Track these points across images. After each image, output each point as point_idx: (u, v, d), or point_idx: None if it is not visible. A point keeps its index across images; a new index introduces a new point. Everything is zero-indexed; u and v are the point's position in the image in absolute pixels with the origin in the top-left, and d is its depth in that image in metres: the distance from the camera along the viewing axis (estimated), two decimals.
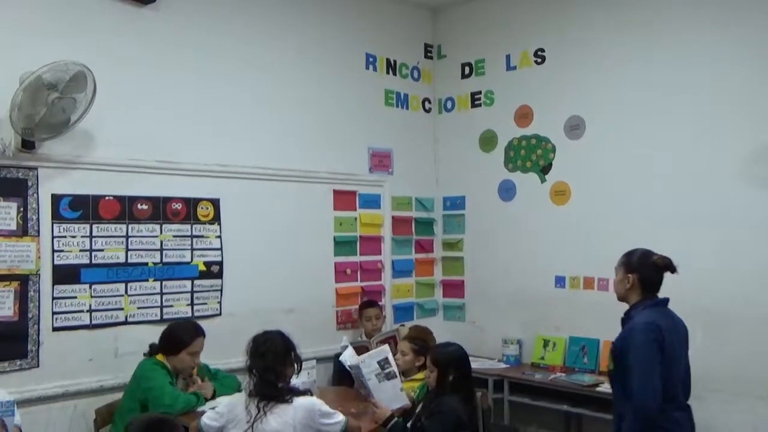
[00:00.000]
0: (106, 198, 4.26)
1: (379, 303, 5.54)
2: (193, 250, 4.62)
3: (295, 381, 3.57)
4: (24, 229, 3.95)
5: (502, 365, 5.44)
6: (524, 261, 5.59)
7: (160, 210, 4.48)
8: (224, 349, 4.38)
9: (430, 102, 6.27)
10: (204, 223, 4.68)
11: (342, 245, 5.50)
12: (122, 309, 4.30)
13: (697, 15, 4.70)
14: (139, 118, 4.39)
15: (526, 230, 5.60)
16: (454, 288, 6.14)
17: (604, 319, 4.91)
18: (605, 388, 4.62)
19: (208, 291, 4.68)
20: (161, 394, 3.74)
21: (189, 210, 4.61)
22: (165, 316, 4.43)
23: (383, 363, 3.98)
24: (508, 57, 5.78)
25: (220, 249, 4.73)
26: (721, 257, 4.46)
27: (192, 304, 4.60)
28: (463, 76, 6.10)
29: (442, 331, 5.42)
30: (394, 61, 5.98)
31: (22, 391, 3.82)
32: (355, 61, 5.70)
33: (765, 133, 4.40)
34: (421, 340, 4.58)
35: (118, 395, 4.00)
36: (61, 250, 4.09)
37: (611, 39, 5.11)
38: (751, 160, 4.44)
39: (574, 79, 5.32)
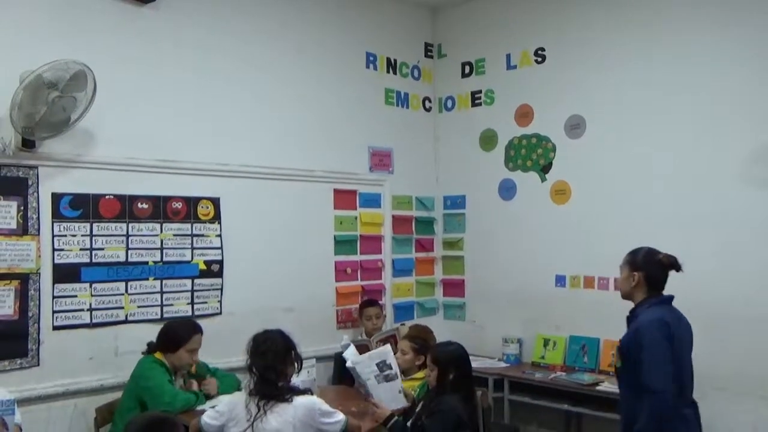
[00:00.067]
0: (107, 197, 4.26)
1: (380, 302, 5.54)
2: (193, 249, 4.62)
3: (295, 380, 3.57)
4: (24, 228, 3.95)
5: (503, 364, 5.44)
6: (524, 260, 5.59)
7: (160, 209, 4.48)
8: (224, 348, 4.40)
9: (430, 101, 6.27)
10: (204, 222, 4.68)
11: (342, 244, 5.50)
12: (122, 308, 4.30)
13: (697, 15, 4.70)
14: (140, 117, 4.39)
15: (527, 229, 5.60)
16: (455, 287, 6.14)
17: (604, 318, 4.96)
18: (605, 387, 4.63)
19: (209, 290, 4.68)
20: (161, 393, 3.75)
21: (189, 209, 4.61)
22: (165, 315, 4.44)
23: (382, 365, 3.98)
24: (508, 56, 5.77)
25: (221, 248, 4.74)
26: (722, 257, 4.46)
27: (192, 303, 4.60)
28: (464, 75, 6.10)
29: (443, 330, 5.43)
30: (395, 60, 5.98)
31: (23, 390, 3.82)
32: (355, 60, 5.70)
33: (765, 134, 4.39)
34: (421, 339, 4.59)
35: (119, 394, 4.00)
36: (62, 249, 4.09)
37: (611, 38, 5.11)
38: (752, 160, 4.44)
39: (574, 79, 5.32)
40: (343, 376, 4.69)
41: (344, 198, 5.54)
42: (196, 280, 4.63)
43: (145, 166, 4.41)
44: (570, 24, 5.37)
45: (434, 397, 3.76)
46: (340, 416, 3.42)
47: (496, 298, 5.78)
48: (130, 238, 4.35)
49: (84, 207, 4.17)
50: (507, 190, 5.76)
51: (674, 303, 3.42)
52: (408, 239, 6.05)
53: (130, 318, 4.32)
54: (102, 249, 4.24)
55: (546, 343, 5.39)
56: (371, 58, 5.81)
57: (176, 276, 4.54)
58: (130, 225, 4.35)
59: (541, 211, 5.50)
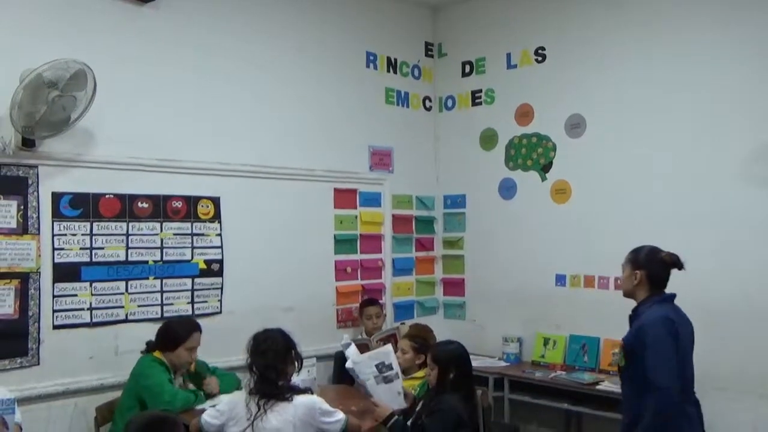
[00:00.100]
0: (107, 196, 4.26)
1: (380, 301, 5.54)
2: (193, 248, 4.62)
3: (296, 379, 3.57)
4: (24, 228, 3.95)
5: (503, 363, 5.44)
6: (525, 259, 5.59)
7: (160, 208, 4.48)
8: (225, 347, 4.40)
9: (430, 100, 6.27)
10: (204, 221, 4.68)
11: (342, 243, 5.50)
12: (122, 307, 4.30)
13: (697, 14, 4.70)
14: (140, 116, 4.39)
15: (527, 229, 5.60)
16: (455, 286, 6.14)
17: (604, 317, 4.97)
18: (605, 386, 4.63)
19: (209, 289, 4.68)
20: (160, 391, 3.75)
21: (189, 208, 4.61)
22: (165, 314, 4.44)
23: (381, 367, 3.98)
24: (508, 55, 5.77)
25: (221, 247, 4.74)
26: (722, 256, 4.46)
27: (192, 302, 4.60)
28: (464, 74, 6.10)
29: (443, 329, 5.43)
30: (395, 60, 5.98)
31: (23, 389, 3.82)
32: (355, 60, 5.70)
33: (765, 132, 4.39)
34: (421, 338, 4.59)
35: (119, 393, 3.99)
36: (62, 248, 4.09)
37: (612, 37, 5.11)
38: (751, 159, 4.44)
39: (574, 78, 5.32)
40: (343, 376, 4.69)
41: (344, 197, 5.54)
42: (196, 280, 4.63)
43: (145, 166, 4.41)
44: (570, 23, 5.37)
45: (434, 396, 3.77)
46: (340, 415, 3.42)
47: (497, 297, 5.78)
48: (130, 238, 4.35)
49: (84, 206, 4.17)
50: (507, 189, 5.76)
51: (674, 302, 3.42)
52: (408, 238, 6.05)
53: (130, 317, 4.32)
54: (102, 248, 4.24)
55: (546, 342, 5.39)
56: (371, 58, 5.80)
57: (176, 275, 4.54)
58: (130, 224, 4.35)
59: (541, 211, 5.50)
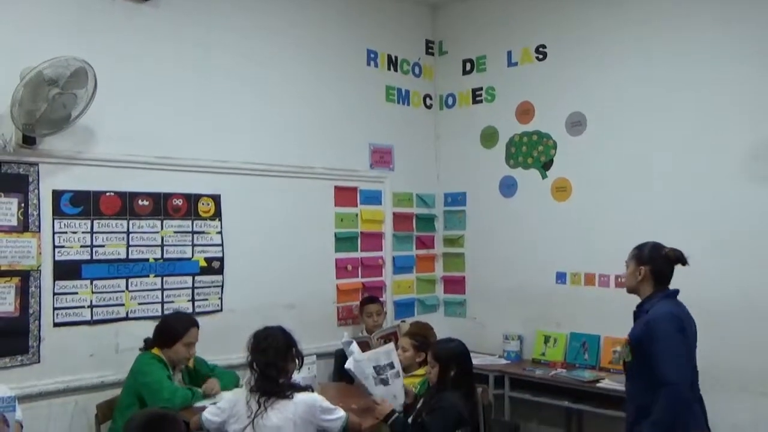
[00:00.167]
0: (107, 194, 4.26)
1: (380, 299, 5.55)
2: (193, 246, 4.62)
3: (296, 377, 3.57)
4: (25, 225, 3.95)
5: (503, 361, 5.44)
6: (525, 257, 5.59)
7: (160, 206, 4.48)
8: (225, 344, 4.40)
9: (431, 98, 6.27)
10: (205, 219, 4.68)
11: (343, 241, 5.50)
12: (123, 305, 4.31)
13: (697, 12, 4.69)
14: (140, 114, 4.39)
15: (527, 226, 5.60)
16: (455, 284, 6.14)
17: (604, 315, 4.97)
18: (606, 384, 4.64)
19: (209, 287, 4.68)
20: (160, 388, 3.75)
21: (190, 206, 4.61)
22: (166, 312, 4.43)
23: (382, 365, 3.97)
24: (509, 53, 5.77)
25: (221, 245, 4.74)
26: (722, 254, 4.46)
27: (193, 300, 4.60)
28: (465, 72, 6.09)
29: (443, 327, 5.44)
30: (395, 57, 5.98)
31: (23, 387, 3.82)
32: (356, 58, 5.70)
33: (765, 130, 4.39)
34: (421, 336, 4.59)
35: (120, 391, 3.99)
36: (62, 246, 4.09)
37: (612, 36, 5.10)
38: (751, 157, 4.44)
39: (575, 76, 5.32)
40: (343, 373, 4.68)
41: (345, 195, 5.53)
42: (197, 277, 4.63)
43: (145, 163, 4.41)
44: (571, 21, 5.36)
45: (435, 393, 3.77)
46: (340, 413, 3.42)
47: (497, 295, 5.78)
48: (130, 235, 4.35)
49: (84, 204, 4.17)
50: (508, 187, 5.76)
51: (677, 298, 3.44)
52: (409, 236, 6.04)
53: (130, 315, 4.33)
54: (102, 246, 4.24)
55: (546, 340, 5.39)
56: (372, 55, 5.80)
57: (177, 273, 4.54)
58: (131, 222, 4.35)
59: (541, 208, 5.50)
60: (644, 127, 4.91)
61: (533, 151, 5.59)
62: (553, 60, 5.49)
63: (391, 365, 3.99)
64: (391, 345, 4.19)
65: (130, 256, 4.35)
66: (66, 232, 4.10)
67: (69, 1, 4.13)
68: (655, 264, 3.41)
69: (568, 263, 5.33)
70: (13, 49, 3.85)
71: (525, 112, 5.65)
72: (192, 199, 4.63)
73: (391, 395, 3.89)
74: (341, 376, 4.86)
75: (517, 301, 5.63)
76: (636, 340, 3.36)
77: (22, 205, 3.94)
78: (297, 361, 3.51)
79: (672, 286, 3.44)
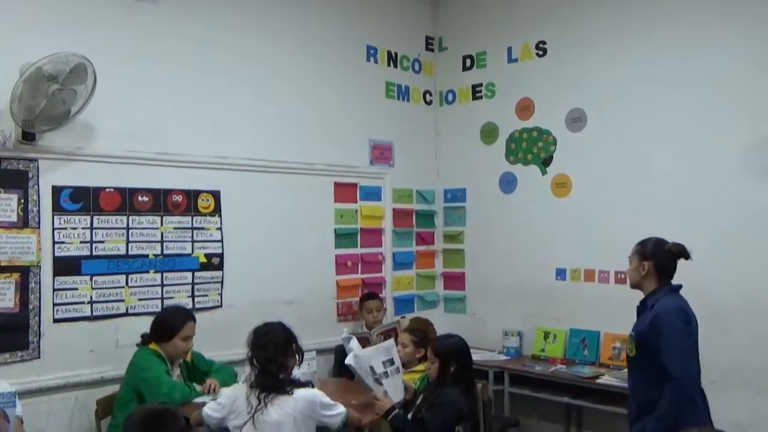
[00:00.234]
0: (107, 190, 4.26)
1: (380, 295, 5.55)
2: (193, 242, 4.62)
3: (296, 372, 3.58)
4: (25, 221, 3.95)
5: (503, 357, 5.45)
6: (525, 253, 5.60)
7: (160, 202, 4.48)
8: (225, 340, 4.40)
9: (431, 94, 6.26)
10: (204, 215, 4.68)
11: (343, 237, 5.50)
12: (123, 301, 4.31)
13: (698, 9, 4.69)
14: (140, 110, 4.39)
15: (527, 222, 5.60)
16: (455, 280, 6.14)
17: (604, 311, 4.98)
18: (606, 380, 4.64)
19: (209, 283, 4.68)
20: (158, 383, 3.75)
21: (189, 202, 4.61)
22: None
23: (383, 362, 3.96)
24: (509, 49, 5.76)
25: (221, 241, 4.74)
26: (722, 250, 4.46)
27: (193, 296, 4.60)
28: (465, 68, 6.09)
29: (443, 323, 5.44)
30: (395, 54, 5.97)
31: (23, 383, 3.82)
32: (355, 54, 5.69)
33: (765, 127, 4.39)
34: (421, 332, 4.59)
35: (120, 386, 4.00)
36: (62, 242, 4.09)
37: (613, 32, 5.10)
38: (751, 154, 4.44)
39: (575, 72, 5.32)
40: (343, 369, 4.69)
41: (345, 191, 5.53)
42: (197, 273, 4.63)
43: (145, 159, 4.40)
44: (571, 17, 5.36)
45: (435, 389, 3.77)
46: (340, 409, 3.43)
47: (497, 291, 5.79)
48: (130, 231, 4.35)
49: (84, 200, 4.17)
50: (508, 183, 5.76)
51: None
52: (408, 232, 6.05)
53: (130, 311, 4.33)
54: (102, 242, 4.24)
55: (546, 336, 5.39)
56: (372, 52, 5.80)
57: (176, 269, 4.54)
58: (131, 218, 4.35)
59: (541, 205, 5.50)
60: (644, 124, 4.91)
61: (533, 148, 5.59)
62: (553, 56, 5.48)
63: (391, 361, 3.99)
64: (391, 341, 4.20)
65: (130, 252, 4.34)
66: (66, 228, 4.10)
67: None
68: (659, 259, 3.43)
69: (567, 259, 5.33)
70: (13, 44, 3.85)
71: (525, 108, 5.65)
72: (192, 195, 4.62)
73: (392, 391, 3.89)
74: (341, 372, 4.87)
75: (516, 297, 5.64)
76: (640, 334, 3.37)
77: (22, 201, 3.94)
78: (297, 356, 3.51)
79: (673, 282, 3.45)
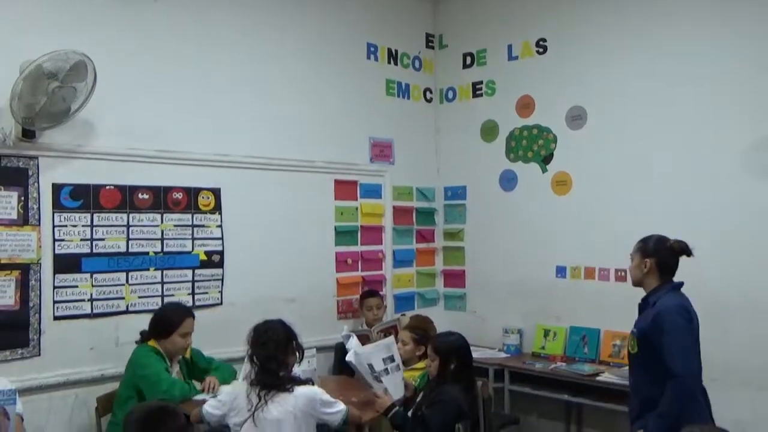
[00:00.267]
0: (107, 187, 4.26)
1: (380, 292, 5.55)
2: (193, 239, 4.62)
3: (296, 370, 3.58)
4: (25, 219, 3.95)
5: (503, 355, 5.44)
6: (525, 251, 5.59)
7: (160, 199, 4.48)
8: (225, 338, 4.40)
9: (431, 92, 6.26)
10: (205, 212, 4.68)
11: (343, 235, 5.50)
12: (123, 298, 4.31)
13: (698, 7, 4.68)
14: (140, 107, 4.38)
15: (527, 220, 5.60)
16: (455, 278, 6.14)
17: (604, 309, 4.98)
18: (606, 377, 4.64)
19: (209, 280, 4.68)
20: (158, 380, 3.75)
21: (190, 199, 4.61)
22: None
23: (383, 359, 3.97)
24: (509, 47, 5.76)
25: (221, 238, 4.74)
26: (722, 248, 4.45)
27: (193, 294, 4.60)
28: (465, 66, 6.09)
29: (443, 320, 5.44)
30: (396, 51, 5.97)
31: (24, 380, 3.82)
32: (356, 51, 5.69)
33: (765, 126, 4.39)
34: (421, 329, 4.60)
35: None
36: (62, 240, 4.09)
37: (613, 29, 5.09)
38: (752, 152, 4.44)
39: (575, 70, 5.31)
40: (343, 367, 4.69)
41: (345, 188, 5.53)
42: (197, 271, 4.63)
43: (145, 157, 4.40)
44: (571, 15, 5.35)
45: (435, 387, 3.78)
46: (341, 406, 3.43)
47: (497, 288, 5.79)
48: (130, 229, 4.35)
49: (84, 197, 4.17)
50: (508, 181, 5.76)
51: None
52: (409, 230, 6.04)
53: (130, 308, 4.33)
54: (102, 239, 4.24)
55: (546, 333, 5.39)
56: (372, 49, 5.79)
57: (177, 266, 4.54)
58: (131, 215, 4.35)
59: (541, 202, 5.50)
60: (645, 122, 4.91)
61: (533, 145, 5.59)
62: (553, 54, 5.48)
63: (392, 358, 4.00)
64: (391, 338, 4.20)
65: (130, 250, 4.34)
66: (66, 226, 4.10)
67: None
68: (660, 256, 3.43)
69: (568, 257, 5.33)
70: (13, 42, 3.84)
71: (525, 105, 5.65)
72: (192, 193, 4.62)
73: (392, 388, 3.90)
74: (341, 370, 4.88)
75: (517, 294, 5.64)
76: (642, 332, 3.37)
77: (22, 198, 3.94)
78: (297, 354, 3.51)
79: (674, 280, 3.46)
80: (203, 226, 4.66)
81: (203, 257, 4.66)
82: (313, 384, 3.58)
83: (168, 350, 3.96)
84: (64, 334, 4.06)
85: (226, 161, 4.77)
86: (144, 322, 4.11)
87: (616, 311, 4.82)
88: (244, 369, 3.62)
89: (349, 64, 5.61)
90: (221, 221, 4.74)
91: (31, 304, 3.95)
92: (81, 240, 4.16)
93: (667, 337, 3.22)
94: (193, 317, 4.07)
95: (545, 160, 5.51)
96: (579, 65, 5.29)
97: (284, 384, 3.34)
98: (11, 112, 3.66)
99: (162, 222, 4.48)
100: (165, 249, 4.49)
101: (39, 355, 3.97)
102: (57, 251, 4.06)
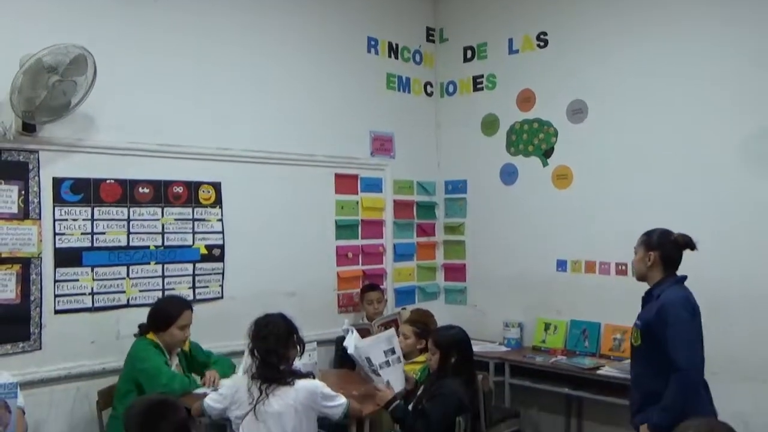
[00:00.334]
0: (108, 181, 4.26)
1: (381, 286, 5.55)
2: (194, 233, 4.62)
3: (297, 363, 3.58)
4: (25, 212, 3.95)
5: (504, 348, 5.45)
6: (526, 245, 5.59)
7: (161, 193, 4.48)
8: (226, 332, 4.41)
9: (431, 86, 6.25)
10: (205, 206, 4.68)
11: (343, 229, 5.50)
12: (124, 292, 4.31)
13: (699, 1, 4.67)
14: (140, 101, 4.38)
15: (528, 214, 5.59)
16: (456, 271, 6.14)
17: (605, 302, 4.99)
18: (606, 371, 4.64)
19: (210, 274, 4.68)
20: (157, 374, 3.75)
21: (190, 193, 4.61)
22: None
23: (384, 352, 3.97)
24: (510, 40, 5.75)
25: (222, 232, 4.74)
26: (723, 242, 4.44)
27: (193, 288, 4.61)
28: (465, 59, 6.07)
29: (444, 314, 5.44)
30: (396, 45, 5.96)
31: (25, 374, 3.83)
32: (356, 45, 5.68)
33: (765, 118, 4.38)
34: (422, 323, 4.60)
35: None
36: (63, 233, 4.09)
37: (614, 23, 5.08)
38: (752, 145, 4.43)
39: (576, 63, 5.30)
40: (344, 360, 4.70)
41: (345, 182, 5.53)
42: (198, 265, 4.63)
43: (146, 151, 4.40)
44: (572, 8, 5.34)
45: (435, 380, 3.78)
46: (341, 400, 3.44)
47: (497, 282, 5.79)
48: (131, 223, 4.35)
49: (85, 191, 4.17)
50: (508, 174, 5.75)
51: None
52: (409, 224, 6.04)
53: (131, 302, 4.33)
54: (103, 233, 4.24)
55: (547, 327, 5.39)
56: (372, 43, 5.78)
57: (177, 260, 4.54)
58: (131, 209, 4.35)
59: (542, 196, 5.50)
60: (646, 116, 4.90)
61: (534, 139, 5.58)
62: (554, 47, 5.47)
63: (393, 350, 4.00)
64: (392, 330, 4.20)
65: (131, 244, 4.35)
66: (66, 220, 4.10)
67: None
68: (664, 249, 3.44)
69: (568, 251, 5.33)
70: (13, 36, 3.84)
71: (526, 99, 5.64)
72: (192, 187, 4.62)
73: (392, 380, 3.90)
74: (342, 363, 4.88)
75: (517, 288, 5.64)
76: (646, 324, 3.38)
77: (23, 192, 3.94)
78: (298, 348, 3.52)
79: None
80: (204, 220, 4.66)
81: (204, 251, 4.66)
82: (314, 377, 3.58)
83: (167, 343, 3.96)
84: (65, 327, 4.06)
85: (227, 155, 4.77)
86: (145, 315, 4.11)
87: (617, 305, 4.83)
88: (244, 362, 3.62)
89: (350, 57, 5.61)
90: (222, 215, 4.74)
91: (32, 298, 3.95)
92: (82, 234, 4.16)
93: (671, 330, 3.23)
94: (191, 309, 4.06)
95: (546, 153, 5.50)
96: (580, 59, 5.28)
97: (285, 377, 3.35)
98: (11, 106, 3.66)
99: (162, 216, 4.48)
100: (166, 243, 4.49)
101: (40, 348, 3.97)
102: (58, 245, 4.07)
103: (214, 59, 4.74)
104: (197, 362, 4.19)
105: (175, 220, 4.54)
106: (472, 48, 6.03)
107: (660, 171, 4.82)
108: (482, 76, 5.95)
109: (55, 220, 4.06)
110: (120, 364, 4.04)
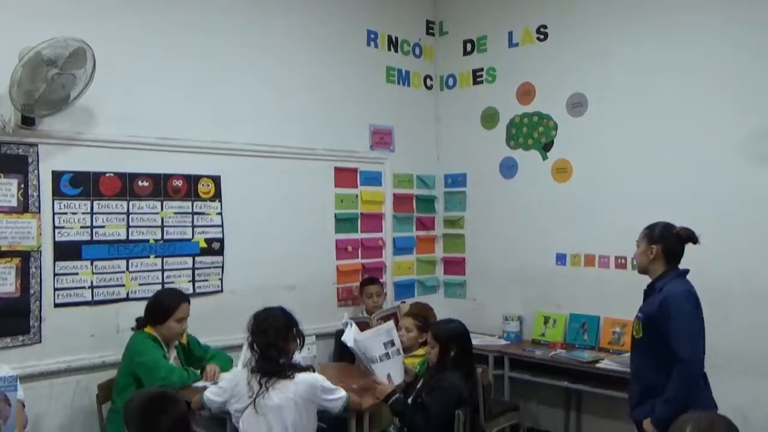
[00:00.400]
0: (107, 175, 4.26)
1: (380, 280, 5.55)
2: (194, 227, 4.62)
3: (296, 357, 3.59)
4: (25, 206, 3.95)
5: (503, 342, 5.45)
6: (525, 238, 5.59)
7: (160, 187, 4.48)
8: (225, 325, 4.41)
9: (431, 79, 6.24)
10: (205, 200, 4.68)
11: (343, 222, 5.50)
12: (123, 285, 4.31)
13: None
14: (140, 94, 4.37)
15: (528, 208, 5.59)
16: (455, 265, 6.15)
17: (604, 296, 4.99)
18: (605, 364, 4.65)
19: (209, 268, 4.69)
20: (156, 367, 3.75)
21: (190, 187, 4.61)
22: None
23: (384, 344, 3.97)
24: (510, 34, 5.73)
25: (221, 226, 4.74)
26: (722, 235, 4.43)
27: (193, 281, 4.61)
28: (465, 53, 6.06)
29: (443, 308, 5.46)
30: (396, 38, 5.94)
31: (25, 367, 3.84)
32: (356, 38, 5.67)
33: (765, 113, 4.38)
34: (422, 316, 4.61)
35: None
36: (62, 227, 4.09)
37: (614, 16, 5.07)
38: (752, 139, 4.43)
39: (576, 57, 5.29)
40: (343, 354, 4.71)
41: (345, 176, 5.52)
42: (197, 258, 4.64)
43: (145, 144, 4.40)
44: (572, 2, 5.33)
45: (435, 374, 3.79)
46: (341, 393, 3.44)
47: (497, 276, 5.79)
48: (130, 216, 4.35)
49: (84, 185, 4.17)
50: (508, 168, 5.75)
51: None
52: (409, 217, 6.04)
53: (131, 295, 4.33)
54: (103, 227, 4.24)
55: (546, 320, 5.40)
56: (372, 36, 5.77)
57: (177, 254, 4.54)
58: (131, 203, 4.35)
59: (542, 190, 5.49)
60: (646, 109, 4.89)
61: (534, 132, 5.57)
62: (554, 41, 5.46)
63: (392, 342, 4.01)
64: (391, 323, 4.20)
65: (131, 237, 4.35)
66: (66, 213, 4.10)
67: None
68: (667, 243, 3.45)
69: (568, 244, 5.33)
70: (12, 29, 3.83)
71: (526, 93, 5.63)
72: (192, 180, 4.62)
73: (392, 372, 3.91)
74: (341, 357, 4.89)
75: (517, 282, 5.64)
76: (648, 317, 3.38)
77: (22, 185, 3.94)
78: (297, 341, 3.52)
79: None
80: (203, 213, 4.66)
81: (203, 245, 4.66)
82: (313, 371, 3.58)
83: (164, 336, 3.96)
84: (65, 321, 4.07)
85: (226, 148, 4.76)
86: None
87: (616, 298, 4.83)
88: (243, 356, 3.62)
89: (349, 51, 5.59)
90: (221, 209, 4.74)
91: (31, 292, 3.95)
92: (81, 227, 4.16)
93: (674, 323, 3.24)
94: (189, 302, 4.06)
95: (545, 147, 5.50)
96: (580, 52, 5.27)
97: (285, 371, 3.35)
98: (10, 99, 3.66)
99: (162, 209, 4.48)
100: (165, 236, 4.49)
101: (40, 342, 3.98)
102: (57, 239, 4.07)
103: (214, 52, 4.73)
104: (194, 356, 4.19)
105: (175, 213, 4.54)
106: (471, 41, 6.01)
107: (660, 165, 4.81)
108: (482, 70, 5.94)
109: (54, 214, 4.06)
110: (119, 357, 4.04)
